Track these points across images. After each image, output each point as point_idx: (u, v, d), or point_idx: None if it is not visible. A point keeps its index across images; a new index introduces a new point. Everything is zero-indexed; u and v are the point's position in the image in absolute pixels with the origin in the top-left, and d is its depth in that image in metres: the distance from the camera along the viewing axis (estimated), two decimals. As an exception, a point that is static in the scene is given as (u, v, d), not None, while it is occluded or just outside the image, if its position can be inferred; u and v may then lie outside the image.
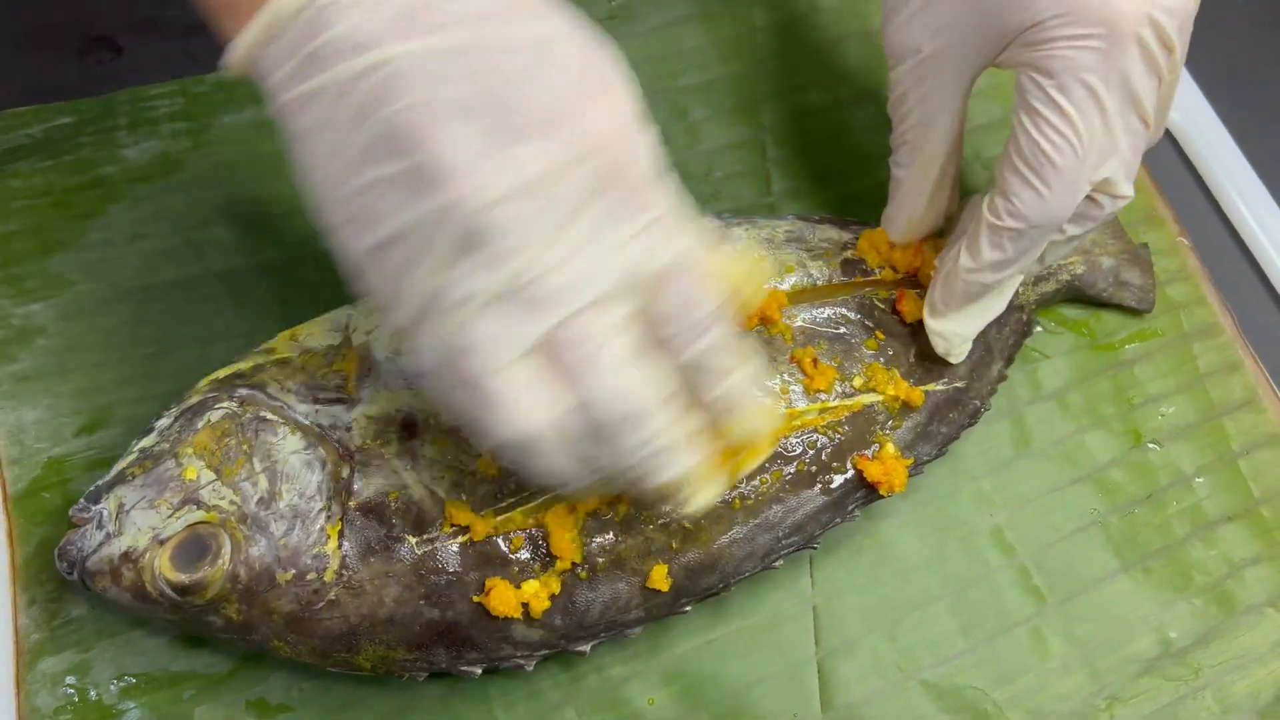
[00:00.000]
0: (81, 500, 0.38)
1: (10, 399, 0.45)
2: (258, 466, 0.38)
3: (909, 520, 0.47)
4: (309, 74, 0.32)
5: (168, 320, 0.47)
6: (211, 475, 0.38)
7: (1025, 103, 0.41)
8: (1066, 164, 0.40)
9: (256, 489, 0.38)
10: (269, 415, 0.39)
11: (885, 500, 0.45)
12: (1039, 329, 0.52)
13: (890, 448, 0.44)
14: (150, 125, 0.51)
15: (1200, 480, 0.50)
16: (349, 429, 0.40)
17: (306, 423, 0.40)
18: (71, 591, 0.42)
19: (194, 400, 0.40)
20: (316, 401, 0.40)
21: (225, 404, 0.39)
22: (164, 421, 0.40)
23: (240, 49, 0.33)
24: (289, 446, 0.39)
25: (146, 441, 0.39)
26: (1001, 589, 0.47)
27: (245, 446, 0.38)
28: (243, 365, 0.41)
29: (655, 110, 0.54)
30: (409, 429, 0.40)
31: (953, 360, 0.46)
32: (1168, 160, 0.59)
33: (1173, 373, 0.52)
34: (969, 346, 0.46)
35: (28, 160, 0.49)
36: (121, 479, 0.38)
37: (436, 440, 0.40)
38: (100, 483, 0.38)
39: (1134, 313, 0.53)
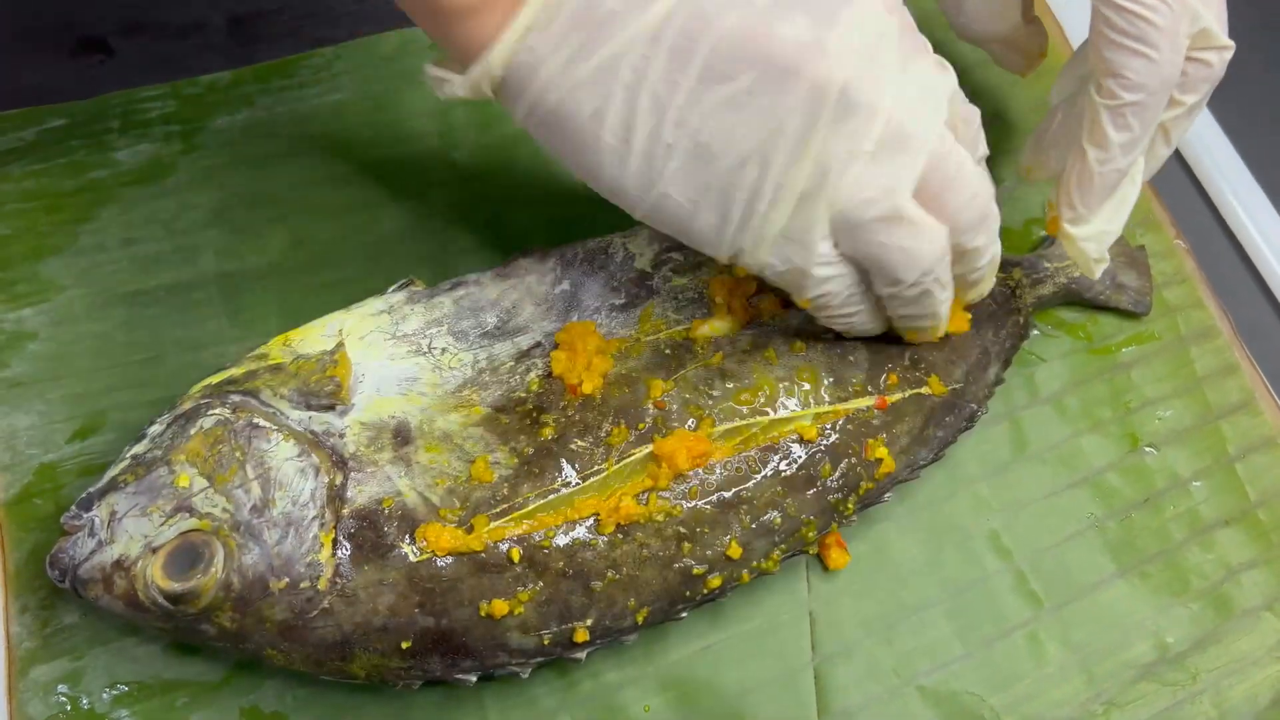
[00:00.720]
0: (73, 507, 0.38)
1: (2, 405, 0.45)
2: (250, 474, 0.38)
3: (906, 525, 0.47)
4: (602, 40, 0.34)
5: (160, 325, 0.47)
6: (204, 482, 0.38)
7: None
8: (1166, 20, 0.40)
9: (249, 496, 0.38)
10: (262, 422, 0.39)
11: (882, 504, 0.45)
12: (1035, 332, 0.52)
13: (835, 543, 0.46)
14: (142, 128, 0.51)
15: (1197, 484, 0.50)
16: (342, 436, 0.40)
17: (300, 429, 0.39)
18: (64, 599, 0.42)
19: (186, 407, 0.40)
20: (310, 408, 0.40)
21: (218, 410, 0.39)
22: (156, 428, 0.39)
23: (504, 46, 0.34)
24: (282, 453, 0.38)
25: (139, 448, 0.39)
26: (998, 594, 0.47)
27: (238, 453, 0.38)
28: (236, 371, 0.41)
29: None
30: (402, 436, 0.40)
31: (1100, 267, 0.45)
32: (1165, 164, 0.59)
33: (1170, 376, 0.52)
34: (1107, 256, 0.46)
35: (19, 164, 0.49)
36: (114, 486, 0.38)
37: (430, 447, 0.40)
38: (92, 490, 0.38)
39: (1131, 316, 0.53)
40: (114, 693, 0.41)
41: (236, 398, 0.40)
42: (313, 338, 0.42)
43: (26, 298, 0.47)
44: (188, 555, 0.37)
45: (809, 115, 0.34)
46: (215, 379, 0.41)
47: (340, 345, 0.42)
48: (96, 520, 0.37)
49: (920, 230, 0.37)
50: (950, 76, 0.38)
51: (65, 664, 0.41)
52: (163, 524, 0.37)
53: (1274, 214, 0.57)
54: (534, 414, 0.41)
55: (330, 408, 0.40)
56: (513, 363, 0.43)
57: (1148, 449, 0.50)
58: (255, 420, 0.39)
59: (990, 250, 0.41)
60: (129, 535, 0.37)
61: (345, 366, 0.41)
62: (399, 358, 0.42)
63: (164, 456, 0.38)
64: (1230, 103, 0.59)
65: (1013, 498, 0.49)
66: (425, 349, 0.43)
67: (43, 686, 0.40)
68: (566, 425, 0.41)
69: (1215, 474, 0.50)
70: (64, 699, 0.40)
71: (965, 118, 0.39)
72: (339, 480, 0.38)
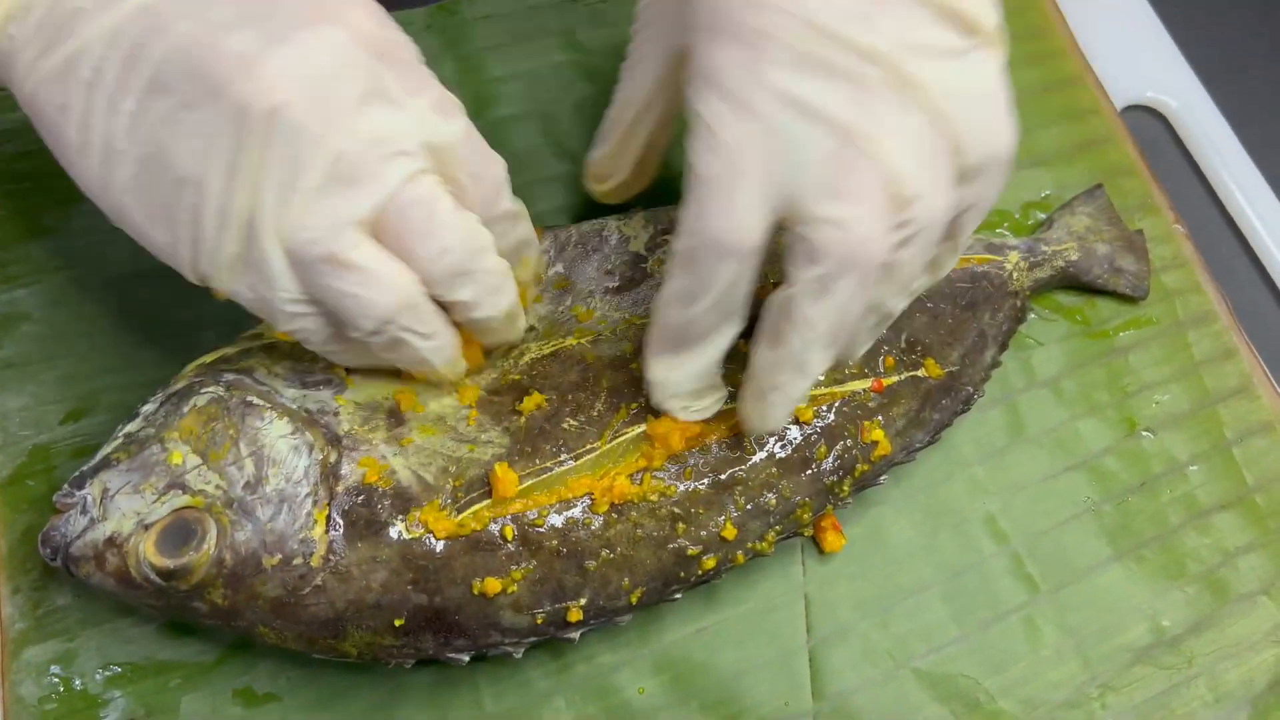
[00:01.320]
0: (65, 486, 0.38)
1: (-6, 386, 0.45)
2: (244, 451, 0.38)
3: (901, 507, 0.47)
4: (67, 36, 0.33)
5: (154, 307, 0.47)
6: (197, 460, 0.37)
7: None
8: (713, 174, 0.34)
9: (243, 473, 0.37)
10: (256, 400, 0.39)
11: (878, 487, 0.45)
12: (1032, 316, 0.52)
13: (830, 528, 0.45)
14: (136, 110, 0.51)
15: (1194, 468, 0.50)
16: (336, 414, 0.39)
17: (294, 407, 0.39)
18: (56, 580, 0.42)
19: (180, 385, 0.40)
20: (304, 386, 0.40)
21: (211, 388, 0.39)
22: (149, 407, 0.39)
23: None
24: (276, 431, 0.38)
25: (131, 427, 0.39)
26: (994, 577, 0.46)
27: (231, 431, 0.38)
28: (230, 350, 0.41)
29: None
30: (395, 417, 0.40)
31: (678, 414, 0.40)
32: (1163, 146, 0.59)
33: (1167, 360, 0.52)
34: (696, 408, 0.40)
35: (11, 144, 0.49)
36: (106, 464, 0.38)
37: (424, 429, 0.40)
38: (84, 468, 0.38)
39: (1128, 300, 0.53)
40: (107, 674, 0.41)
41: (230, 376, 0.39)
42: None
43: (19, 279, 0.46)
44: (180, 532, 0.36)
45: (235, 136, 0.32)
46: (209, 358, 0.41)
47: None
48: (89, 498, 0.37)
49: (370, 278, 0.34)
50: (453, 123, 0.36)
51: (58, 645, 0.41)
52: (155, 501, 0.37)
53: (1273, 198, 0.57)
54: (527, 394, 0.41)
55: (324, 385, 0.40)
56: (506, 347, 0.43)
57: (1145, 433, 0.50)
58: (249, 398, 0.39)
59: (492, 305, 0.38)
60: (121, 512, 0.37)
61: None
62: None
63: (157, 434, 0.38)
64: (1229, 85, 0.59)
65: (1009, 481, 0.48)
66: None
67: (35, 668, 0.40)
68: (559, 404, 0.41)
69: (1212, 458, 0.50)
70: (57, 680, 0.40)
71: (475, 171, 0.36)
72: (333, 458, 0.38)
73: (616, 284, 0.45)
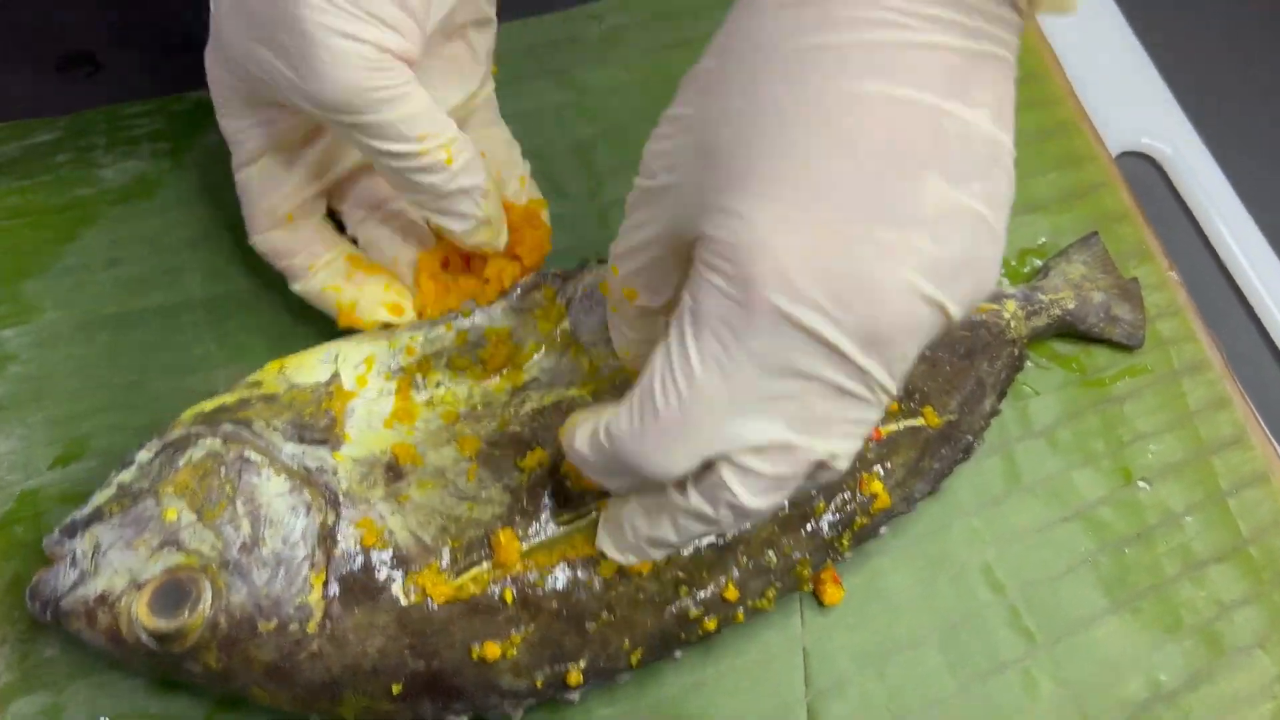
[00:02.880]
0: (56, 532, 0.37)
1: (-19, 429, 0.44)
2: (240, 509, 0.37)
3: (899, 557, 0.47)
4: None
5: (145, 348, 0.46)
6: (192, 517, 0.37)
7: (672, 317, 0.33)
8: (666, 408, 0.32)
9: (239, 533, 0.37)
10: (253, 455, 0.38)
11: (877, 538, 0.45)
12: (1029, 363, 0.52)
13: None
14: (129, 145, 0.50)
15: (1189, 519, 0.50)
16: (335, 472, 0.39)
17: (292, 464, 0.38)
18: (45, 631, 0.41)
19: (176, 434, 0.39)
20: (302, 440, 0.39)
21: (208, 440, 0.38)
22: (144, 455, 0.38)
23: None
24: (273, 489, 0.38)
25: (125, 476, 0.38)
26: (992, 628, 0.46)
27: (228, 488, 0.37)
28: (228, 399, 0.40)
29: (644, 135, 0.54)
30: (394, 471, 0.39)
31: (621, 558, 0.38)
32: (1158, 192, 0.59)
33: (1162, 409, 0.52)
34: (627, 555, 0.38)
35: (2, 180, 0.48)
36: (99, 516, 0.37)
37: (423, 483, 0.39)
38: (76, 517, 0.37)
39: (1123, 348, 0.53)
40: (95, 727, 0.40)
41: (228, 427, 0.39)
42: (308, 365, 0.41)
43: (8, 319, 0.46)
44: (174, 593, 0.36)
45: None
46: (208, 406, 0.40)
47: (335, 376, 0.41)
48: (79, 551, 0.36)
49: None
50: None
51: (45, 697, 0.40)
52: (149, 558, 0.36)
53: (1266, 246, 0.57)
54: (529, 447, 0.40)
55: (324, 442, 0.39)
56: (508, 396, 0.42)
57: (1140, 483, 0.50)
58: (246, 453, 0.38)
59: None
60: (114, 569, 0.36)
61: (341, 400, 0.40)
62: (394, 391, 0.42)
63: (151, 487, 0.37)
64: (1222, 132, 0.59)
65: (1006, 530, 0.48)
66: (421, 383, 0.42)
67: (23, 721, 0.40)
68: (560, 460, 0.40)
69: (1207, 509, 0.50)
70: (44, 733, 0.40)
71: None
72: (331, 520, 0.38)
73: None
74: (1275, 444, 0.52)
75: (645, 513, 0.36)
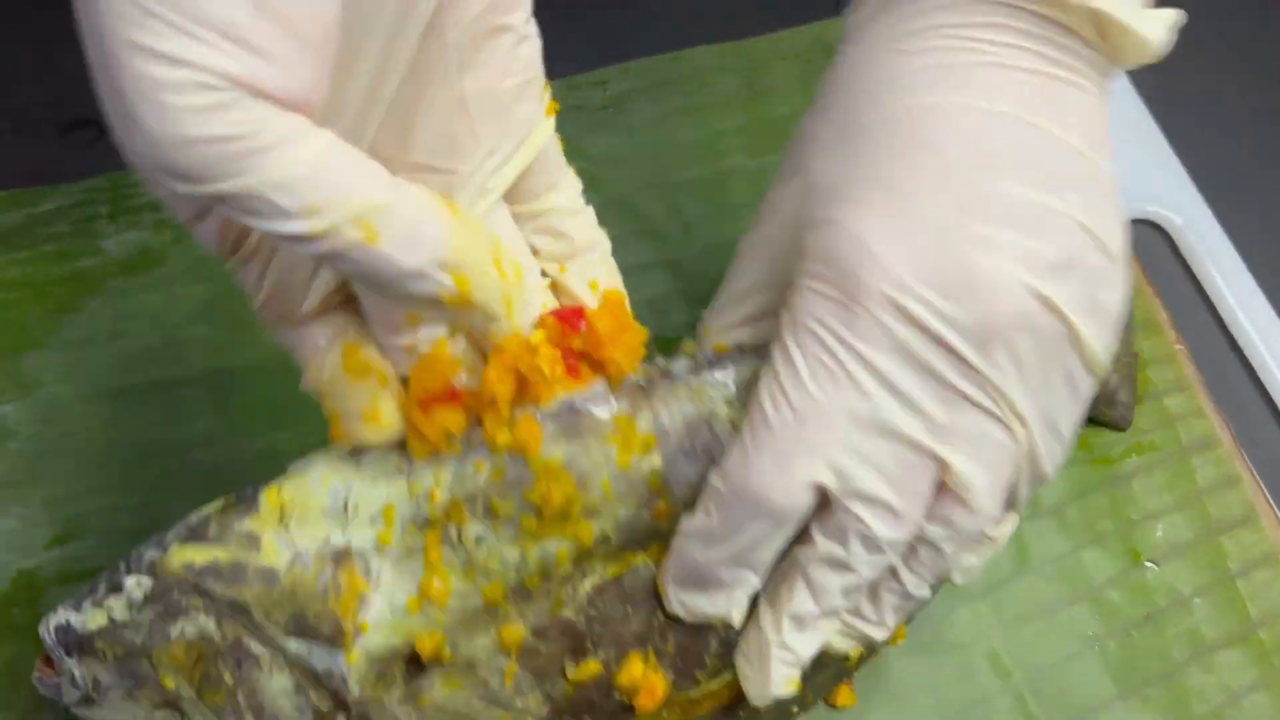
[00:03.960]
0: (53, 630, 0.34)
1: (-21, 507, 0.43)
2: (242, 701, 0.34)
3: (905, 644, 0.46)
4: None
5: (146, 424, 0.46)
6: (191, 692, 0.34)
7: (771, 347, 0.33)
8: (780, 424, 0.31)
9: None
10: (253, 647, 0.34)
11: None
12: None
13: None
14: (131, 215, 0.50)
15: (1198, 601, 0.49)
16: (345, 679, 0.34)
17: (296, 661, 0.34)
18: (44, 712, 0.40)
19: (167, 582, 0.34)
20: (304, 635, 0.34)
21: (201, 618, 0.33)
22: (133, 587, 0.34)
23: None
24: (276, 685, 0.34)
25: (116, 609, 0.34)
26: (999, 716, 0.46)
27: (227, 677, 0.34)
28: (221, 554, 0.34)
29: (648, 206, 0.54)
30: (416, 663, 0.34)
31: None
32: (1165, 262, 0.59)
33: (1170, 488, 0.52)
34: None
35: (4, 251, 0.48)
36: (92, 649, 0.34)
37: (449, 681, 0.34)
38: (70, 625, 0.34)
39: (1116, 428, 0.52)
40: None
41: (224, 601, 0.34)
42: (313, 514, 0.34)
43: (6, 393, 0.46)
44: None
45: None
46: (198, 557, 0.34)
47: (346, 554, 0.34)
48: (79, 675, 0.34)
49: None
50: None
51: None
52: (153, 712, 0.34)
53: (1275, 318, 0.56)
54: (582, 652, 0.35)
55: (330, 640, 0.34)
56: (571, 565, 0.34)
57: (1148, 564, 0.50)
58: (244, 640, 0.34)
59: None
60: (116, 707, 0.34)
61: (352, 594, 0.34)
62: (420, 550, 0.34)
63: (144, 647, 0.34)
64: (1232, 203, 0.59)
65: (1013, 613, 0.48)
66: (455, 538, 0.33)
67: None
68: (617, 662, 0.35)
69: (1216, 591, 0.50)
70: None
71: None
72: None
73: None
74: (1285, 523, 0.52)
75: (774, 601, 0.34)
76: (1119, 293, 0.33)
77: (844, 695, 0.44)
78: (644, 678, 0.35)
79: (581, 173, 0.54)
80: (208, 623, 0.33)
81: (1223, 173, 0.60)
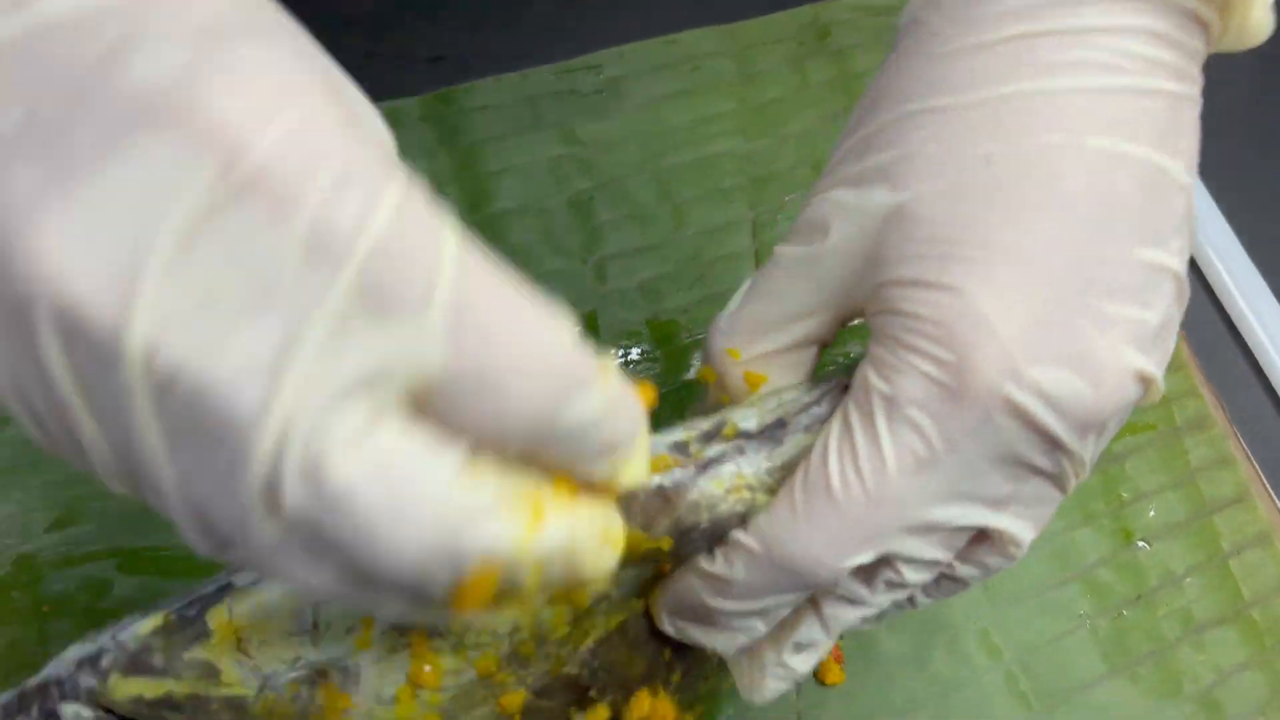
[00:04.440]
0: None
1: (-21, 492, 0.44)
2: None
3: (895, 625, 0.47)
4: None
5: (142, 410, 0.46)
6: None
7: (848, 399, 0.30)
8: (847, 503, 0.29)
9: None
10: None
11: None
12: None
13: None
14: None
15: (1190, 580, 0.49)
16: None
17: None
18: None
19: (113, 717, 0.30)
20: None
21: None
22: (69, 713, 0.30)
23: None
24: None
25: None
26: (988, 694, 0.46)
27: None
28: (175, 687, 0.29)
29: (641, 189, 0.55)
30: None
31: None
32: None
33: (1164, 468, 0.52)
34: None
35: None
36: None
37: None
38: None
39: (1125, 404, 0.52)
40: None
41: None
42: (274, 631, 0.29)
43: (6, 381, 0.46)
44: None
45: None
46: (148, 691, 0.29)
47: (322, 672, 0.30)
48: None
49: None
50: None
51: (38, 766, 0.40)
52: None
53: (1271, 298, 0.56)
54: (587, 700, 0.33)
55: None
56: (570, 627, 0.32)
57: (1141, 543, 0.50)
58: None
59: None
60: None
61: (334, 712, 0.31)
62: (404, 645, 0.31)
63: None
64: (1231, 188, 0.59)
65: (1004, 594, 0.48)
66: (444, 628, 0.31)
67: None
68: (623, 707, 0.35)
69: (1209, 571, 0.50)
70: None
71: None
72: None
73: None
74: (1278, 502, 0.52)
75: (780, 626, 0.33)
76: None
77: (834, 673, 0.45)
78: (653, 709, 0.35)
79: (575, 157, 0.55)
80: None
81: (1216, 150, 0.60)
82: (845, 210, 0.31)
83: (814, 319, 0.33)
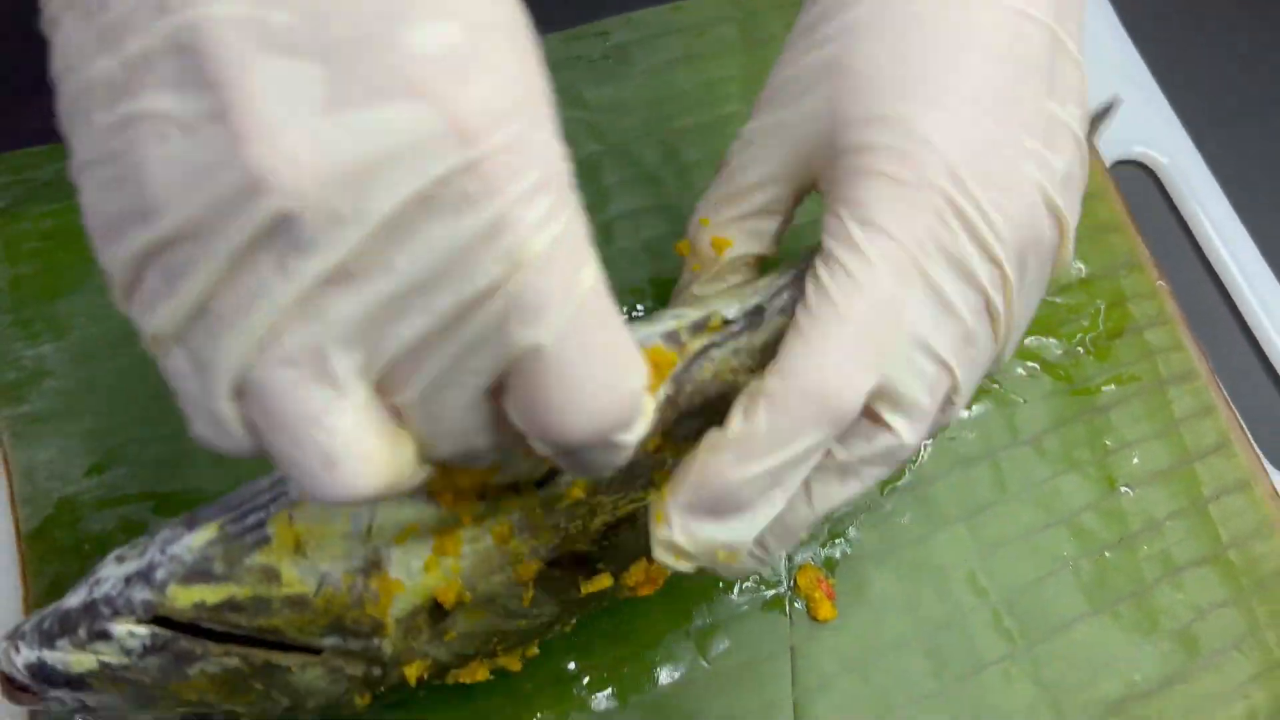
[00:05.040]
0: (21, 667, 0.33)
1: (22, 440, 0.47)
2: (277, 694, 0.34)
3: (885, 565, 0.49)
4: None
5: (173, 362, 0.49)
6: (218, 698, 0.33)
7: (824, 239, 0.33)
8: (856, 317, 0.31)
9: (277, 706, 0.34)
10: (283, 660, 0.33)
11: (862, 543, 0.47)
12: (1019, 371, 0.53)
13: None
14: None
15: (1171, 525, 0.52)
16: (379, 649, 0.35)
17: (332, 649, 0.34)
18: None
19: (167, 633, 0.32)
20: (343, 634, 0.34)
21: (223, 660, 0.33)
22: (122, 632, 0.32)
23: None
24: (310, 677, 0.34)
25: (108, 654, 0.32)
26: (974, 632, 0.48)
27: (258, 685, 0.33)
28: (237, 591, 0.32)
29: (647, 152, 0.57)
30: (439, 611, 0.35)
31: (679, 567, 0.33)
32: (1151, 202, 0.60)
33: (1148, 418, 0.54)
34: (721, 558, 0.33)
35: (37, 203, 0.51)
36: (83, 684, 0.32)
37: (471, 614, 0.36)
38: (45, 664, 0.32)
39: (1111, 357, 0.54)
40: None
41: (249, 631, 0.33)
42: (331, 535, 0.33)
43: (44, 335, 0.49)
44: None
45: (219, 204, 0.22)
46: (210, 596, 0.32)
47: (375, 564, 0.33)
48: (70, 698, 0.33)
49: None
50: None
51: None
52: (175, 709, 0.34)
53: (1258, 255, 0.58)
54: (596, 571, 0.37)
55: (368, 634, 0.34)
56: (571, 504, 0.36)
57: (1124, 489, 0.52)
58: (273, 660, 0.33)
59: None
60: (126, 712, 0.34)
61: (388, 597, 0.34)
62: (434, 518, 0.34)
63: (155, 683, 0.33)
64: (1220, 143, 0.60)
65: (991, 538, 0.50)
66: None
67: (60, 714, 0.43)
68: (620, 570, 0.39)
69: (1189, 515, 0.52)
70: (81, 722, 0.43)
71: None
72: (377, 673, 0.35)
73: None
74: (1259, 452, 0.54)
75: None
76: (1079, 210, 0.35)
77: (826, 609, 0.47)
78: (646, 574, 0.39)
79: (583, 121, 0.57)
80: (230, 660, 0.33)
81: (1209, 112, 0.61)
82: (799, 82, 0.35)
83: (774, 186, 0.37)
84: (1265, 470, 0.53)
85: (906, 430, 0.33)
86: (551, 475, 0.35)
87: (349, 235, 0.22)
